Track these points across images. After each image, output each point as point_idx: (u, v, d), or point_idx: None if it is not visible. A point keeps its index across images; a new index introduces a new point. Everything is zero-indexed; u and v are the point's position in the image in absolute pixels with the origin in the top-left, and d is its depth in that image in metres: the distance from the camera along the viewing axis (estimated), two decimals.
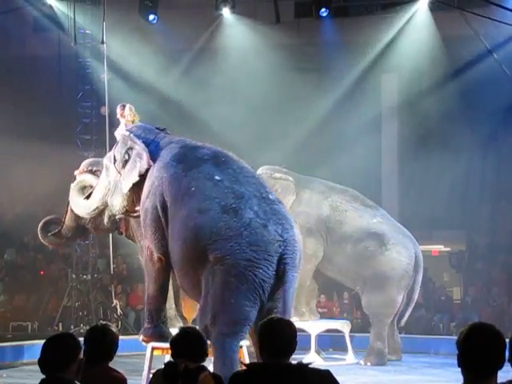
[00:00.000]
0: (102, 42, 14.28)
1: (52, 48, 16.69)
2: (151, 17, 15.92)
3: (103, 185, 9.79)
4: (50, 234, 11.05)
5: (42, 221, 11.16)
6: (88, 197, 10.09)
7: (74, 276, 15.01)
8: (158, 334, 9.05)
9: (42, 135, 15.89)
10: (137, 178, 9.16)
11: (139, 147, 9.28)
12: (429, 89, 16.49)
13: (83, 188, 10.29)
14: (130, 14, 15.62)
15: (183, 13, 15.84)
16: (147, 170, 9.15)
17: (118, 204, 9.58)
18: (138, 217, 9.57)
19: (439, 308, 15.34)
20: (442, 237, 17.90)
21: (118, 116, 11.04)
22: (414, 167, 17.06)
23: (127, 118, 10.90)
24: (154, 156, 9.17)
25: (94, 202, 9.93)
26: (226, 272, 8.01)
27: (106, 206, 9.81)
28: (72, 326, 14.26)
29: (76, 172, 10.67)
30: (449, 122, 16.77)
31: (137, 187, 9.26)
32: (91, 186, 10.24)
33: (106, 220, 10.14)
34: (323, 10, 15.47)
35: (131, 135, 9.50)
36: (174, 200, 8.66)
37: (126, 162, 9.36)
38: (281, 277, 8.11)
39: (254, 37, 16.23)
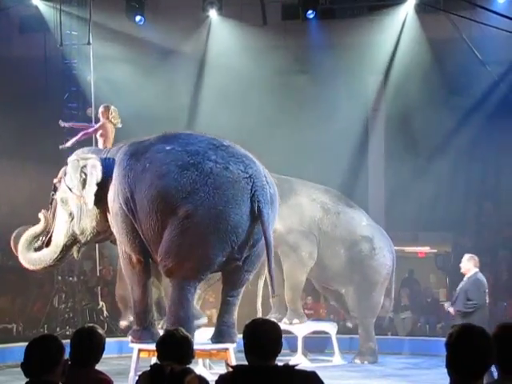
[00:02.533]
0: (89, 43, 14.24)
1: (38, 49, 16.60)
2: (138, 18, 15.89)
3: (63, 220, 9.68)
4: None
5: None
6: (48, 244, 9.89)
7: (59, 278, 14.93)
8: (148, 335, 9.12)
9: (28, 136, 15.82)
10: (95, 188, 9.18)
11: (92, 160, 9.34)
12: (415, 91, 16.53)
13: (30, 243, 9.98)
14: (116, 15, 15.57)
15: (170, 14, 15.81)
16: (107, 181, 9.18)
17: (87, 227, 9.54)
18: (108, 238, 9.59)
19: (425, 309, 15.38)
20: (427, 238, 17.95)
21: (99, 115, 10.97)
22: (401, 169, 17.08)
23: (111, 120, 10.85)
24: (109, 169, 9.25)
25: (60, 242, 9.71)
26: (198, 224, 8.29)
27: (73, 239, 9.71)
28: (58, 329, 14.20)
29: (55, 180, 10.58)
30: (435, 124, 16.82)
31: (101, 202, 9.28)
32: (39, 235, 9.96)
33: (75, 254, 10.00)
34: (310, 12, 15.50)
35: (81, 155, 9.60)
36: (134, 187, 8.84)
37: (84, 180, 9.37)
38: (257, 216, 8.31)
39: (240, 39, 16.21)
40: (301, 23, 16.25)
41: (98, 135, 10.97)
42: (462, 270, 9.88)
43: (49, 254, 9.85)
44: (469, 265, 9.72)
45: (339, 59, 16.00)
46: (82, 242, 9.74)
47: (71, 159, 9.75)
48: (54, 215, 10.53)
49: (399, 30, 16.03)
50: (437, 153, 17.03)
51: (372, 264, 12.45)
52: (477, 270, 9.76)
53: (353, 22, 16.41)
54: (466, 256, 9.89)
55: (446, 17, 14.85)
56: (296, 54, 16.64)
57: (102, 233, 9.58)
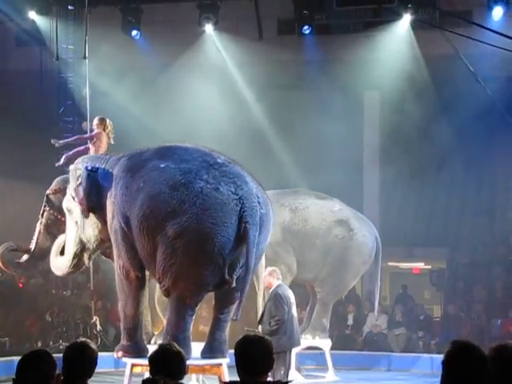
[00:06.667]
0: (85, 58, 14.24)
1: (34, 63, 16.62)
2: (134, 32, 15.95)
3: (71, 228, 9.73)
4: (21, 261, 10.41)
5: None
6: (62, 252, 9.97)
7: (53, 292, 14.89)
8: (138, 349, 9.12)
9: (23, 150, 15.80)
10: (82, 196, 9.23)
11: (80, 170, 9.38)
12: (410, 107, 16.57)
13: (58, 249, 10.09)
14: (112, 29, 15.60)
15: (166, 29, 15.85)
16: (104, 192, 9.19)
17: (91, 235, 9.58)
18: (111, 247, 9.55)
19: (419, 326, 15.34)
20: (422, 254, 17.94)
21: (94, 127, 10.91)
22: (396, 184, 17.11)
23: (108, 133, 10.77)
24: (106, 180, 9.24)
25: (70, 250, 9.77)
26: (187, 244, 8.26)
27: (82, 247, 9.73)
28: (51, 343, 14.13)
29: (48, 191, 10.48)
30: (430, 140, 16.85)
31: (100, 212, 9.30)
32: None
33: (86, 262, 10.02)
34: (306, 27, 15.57)
35: (76, 165, 9.60)
36: (130, 207, 8.81)
37: None
38: (242, 237, 8.24)
39: (236, 53, 16.25)
40: (296, 38, 16.31)
41: (91, 144, 10.83)
42: (266, 286, 9.82)
43: (64, 262, 9.93)
44: (270, 279, 9.65)
45: (334, 75, 16.04)
46: (90, 249, 9.76)
47: (71, 168, 9.78)
48: (44, 226, 10.47)
49: (395, 46, 16.07)
50: (432, 169, 17.06)
51: (352, 245, 12.39)
52: (279, 282, 9.66)
53: (348, 38, 16.47)
54: (267, 270, 9.78)
55: (441, 34, 14.91)
56: (291, 69, 16.67)
57: (107, 241, 9.55)
